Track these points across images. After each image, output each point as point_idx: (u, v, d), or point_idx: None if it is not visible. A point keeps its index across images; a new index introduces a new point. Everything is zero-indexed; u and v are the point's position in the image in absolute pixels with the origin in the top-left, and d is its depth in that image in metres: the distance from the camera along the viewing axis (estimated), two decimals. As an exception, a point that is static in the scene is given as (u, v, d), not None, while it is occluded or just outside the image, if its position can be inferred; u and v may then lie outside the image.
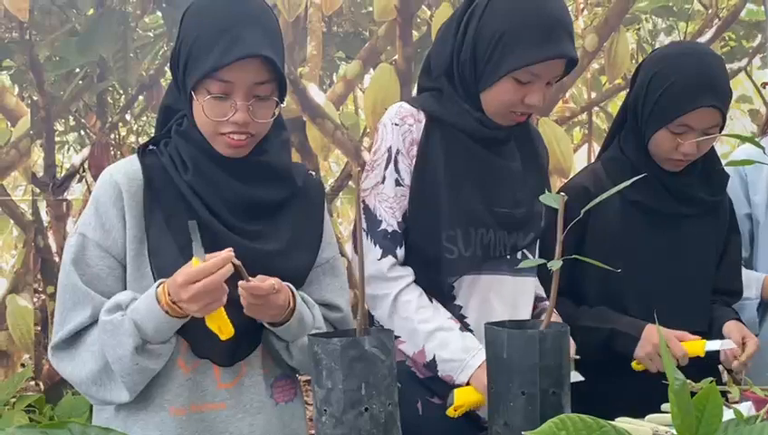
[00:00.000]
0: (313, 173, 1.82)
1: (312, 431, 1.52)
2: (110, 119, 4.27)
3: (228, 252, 1.49)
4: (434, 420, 1.83)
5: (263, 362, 1.70)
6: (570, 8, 4.43)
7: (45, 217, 4.15)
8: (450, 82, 1.87)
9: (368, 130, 4.51)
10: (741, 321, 2.13)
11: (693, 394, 1.18)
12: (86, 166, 4.20)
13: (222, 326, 1.52)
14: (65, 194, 4.18)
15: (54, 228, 4.15)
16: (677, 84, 2.00)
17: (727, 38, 4.84)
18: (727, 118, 2.06)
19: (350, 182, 4.49)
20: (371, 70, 4.53)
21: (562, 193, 1.42)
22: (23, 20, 4.10)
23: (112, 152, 4.23)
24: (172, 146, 1.66)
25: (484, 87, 1.83)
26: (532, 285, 1.98)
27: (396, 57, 4.47)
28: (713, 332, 2.08)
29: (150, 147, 1.69)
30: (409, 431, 1.49)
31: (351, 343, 1.35)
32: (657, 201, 2.10)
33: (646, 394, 1.67)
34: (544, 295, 2.02)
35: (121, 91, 4.32)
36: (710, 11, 4.78)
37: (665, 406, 1.67)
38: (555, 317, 1.85)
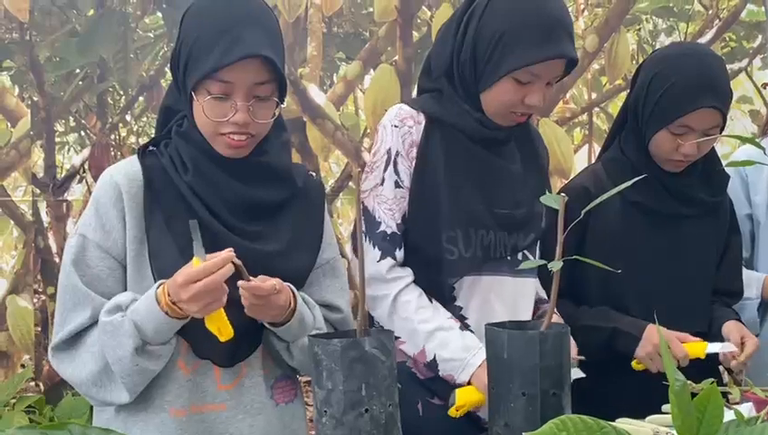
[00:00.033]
0: (314, 174, 1.82)
1: (313, 432, 1.52)
2: (110, 119, 4.27)
3: (229, 252, 1.49)
4: (434, 420, 1.83)
5: (263, 363, 1.70)
6: (570, 9, 4.44)
7: (45, 218, 4.15)
8: (450, 82, 1.87)
9: (368, 131, 4.51)
10: (741, 321, 2.13)
11: (693, 395, 1.18)
12: (86, 167, 4.21)
13: (221, 328, 1.51)
14: (65, 195, 4.18)
15: (54, 229, 4.15)
16: (678, 85, 2.00)
17: (728, 39, 4.84)
18: (728, 118, 2.06)
19: (350, 183, 4.49)
20: (372, 70, 4.53)
21: (563, 194, 1.42)
22: (23, 21, 4.10)
23: (113, 153, 4.23)
24: (172, 147, 1.66)
25: (485, 87, 1.83)
26: (532, 286, 1.98)
27: (396, 58, 4.47)
28: (712, 332, 2.08)
29: (150, 148, 1.69)
30: (410, 432, 1.49)
31: (352, 344, 1.35)
32: (657, 202, 2.10)
33: (646, 395, 1.67)
34: (545, 297, 2.02)
35: (122, 92, 4.32)
36: (710, 12, 4.78)
37: (665, 407, 1.67)
38: (556, 318, 1.85)
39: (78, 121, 4.29)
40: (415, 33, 4.50)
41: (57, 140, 4.23)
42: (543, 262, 1.43)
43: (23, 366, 4.17)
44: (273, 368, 1.72)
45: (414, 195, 1.85)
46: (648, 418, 1.68)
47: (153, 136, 1.75)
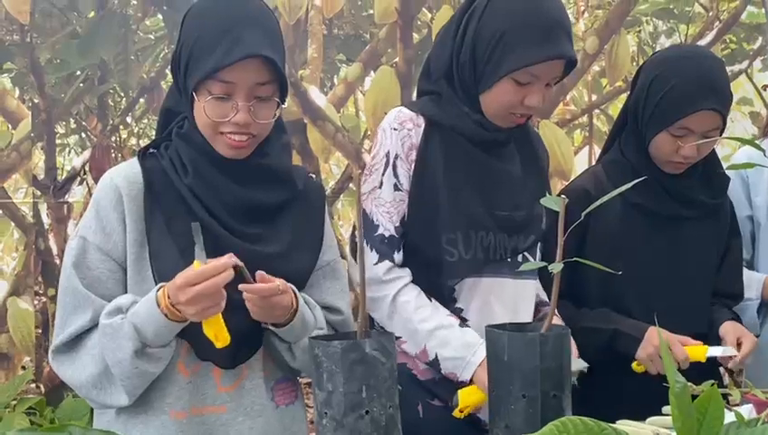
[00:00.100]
0: (314, 176, 1.82)
1: (313, 434, 1.52)
2: (110, 121, 4.27)
3: (229, 257, 1.49)
4: (434, 422, 1.83)
5: (263, 365, 1.70)
6: (570, 11, 4.45)
7: (46, 220, 4.16)
8: (450, 84, 1.87)
9: (368, 133, 4.51)
10: (739, 321, 2.13)
11: (694, 397, 1.18)
12: (87, 168, 4.21)
13: (218, 333, 1.50)
14: (66, 196, 4.18)
15: (55, 231, 4.16)
16: (678, 87, 2.00)
17: (728, 40, 4.84)
18: (728, 120, 2.06)
19: (350, 185, 4.49)
20: (372, 72, 4.53)
21: (563, 196, 1.42)
22: (23, 23, 4.11)
23: (113, 155, 4.23)
24: (173, 149, 1.66)
25: (484, 88, 1.83)
26: (533, 288, 1.98)
27: (396, 60, 4.47)
28: (712, 334, 2.08)
29: (151, 150, 1.69)
30: (410, 434, 1.49)
31: (352, 345, 1.35)
32: (657, 204, 2.10)
33: (647, 397, 1.67)
34: (546, 299, 2.02)
35: (122, 94, 4.32)
36: (711, 13, 4.78)
37: (666, 409, 1.67)
38: (556, 320, 1.85)
39: (78, 123, 4.29)
40: (415, 35, 4.50)
41: (58, 141, 4.23)
42: (543, 264, 1.43)
43: (23, 368, 4.18)
44: (273, 370, 1.72)
45: (413, 197, 1.85)
46: (648, 419, 1.68)
47: (153, 138, 1.75)
